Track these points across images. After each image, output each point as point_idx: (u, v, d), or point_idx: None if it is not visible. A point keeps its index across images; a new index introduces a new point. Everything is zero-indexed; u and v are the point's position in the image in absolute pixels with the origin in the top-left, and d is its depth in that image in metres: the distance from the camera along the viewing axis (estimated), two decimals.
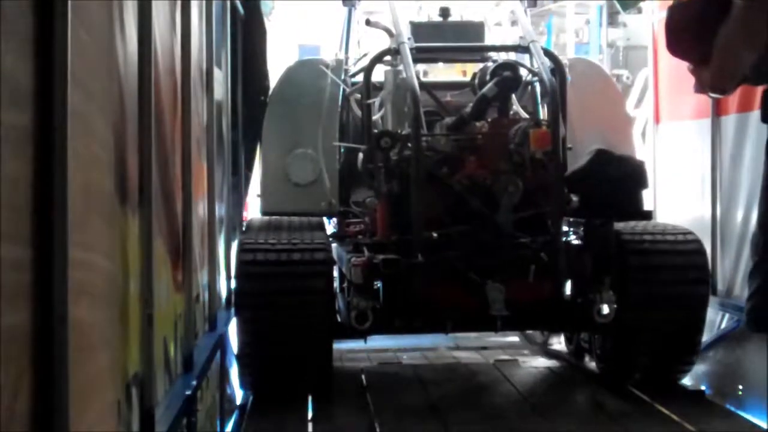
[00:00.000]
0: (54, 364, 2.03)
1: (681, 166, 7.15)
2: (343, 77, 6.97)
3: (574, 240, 5.68)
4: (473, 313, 5.36)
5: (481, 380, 6.34)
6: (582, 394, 5.98)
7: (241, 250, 5.59)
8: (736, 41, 3.52)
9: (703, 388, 6.01)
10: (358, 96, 6.28)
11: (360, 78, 6.26)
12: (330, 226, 6.84)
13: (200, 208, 4.98)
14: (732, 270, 6.27)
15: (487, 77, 5.68)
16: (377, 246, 5.51)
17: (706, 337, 6.09)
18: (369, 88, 5.87)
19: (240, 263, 5.54)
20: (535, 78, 5.97)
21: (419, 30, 6.25)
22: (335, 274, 5.98)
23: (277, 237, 5.66)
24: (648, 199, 6.64)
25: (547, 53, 5.97)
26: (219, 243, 5.80)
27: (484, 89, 5.62)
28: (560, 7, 14.80)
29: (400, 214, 5.45)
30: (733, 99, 6.09)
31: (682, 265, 5.70)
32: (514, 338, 7.80)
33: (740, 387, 5.89)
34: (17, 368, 1.88)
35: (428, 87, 6.17)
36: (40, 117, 2.01)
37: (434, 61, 7.29)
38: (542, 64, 5.70)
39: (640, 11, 12.05)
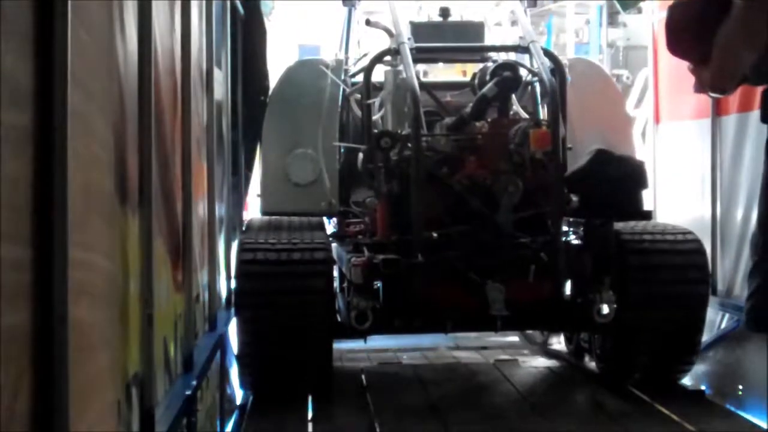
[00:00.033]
0: (54, 364, 2.03)
1: (681, 166, 7.16)
2: (343, 77, 6.97)
3: (574, 240, 5.68)
4: (473, 313, 5.36)
5: (481, 380, 6.34)
6: (582, 394, 5.98)
7: (241, 249, 5.59)
8: (735, 41, 3.52)
9: (703, 388, 6.01)
10: (358, 96, 6.28)
11: (360, 78, 6.26)
12: (330, 226, 6.84)
13: (200, 208, 4.98)
14: (732, 270, 6.27)
15: (487, 77, 5.68)
16: (377, 246, 5.51)
17: (706, 337, 6.09)
18: (369, 88, 5.87)
19: (240, 263, 5.54)
20: (535, 78, 5.97)
21: (419, 30, 6.25)
22: (335, 274, 5.98)
23: (277, 237, 5.66)
24: (648, 199, 6.64)
25: (547, 53, 5.97)
26: (219, 243, 5.80)
27: (484, 89, 5.62)
28: (560, 7, 14.81)
29: (400, 214, 5.45)
30: (733, 99, 6.09)
31: (681, 264, 5.70)
32: (514, 338, 7.81)
33: (740, 387, 5.89)
34: (17, 368, 1.88)
35: (428, 87, 6.18)
36: (40, 117, 2.01)
37: (434, 61, 7.29)
38: (542, 64, 5.70)
39: (640, 11, 12.05)
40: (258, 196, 7.09)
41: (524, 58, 6.18)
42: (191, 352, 4.16)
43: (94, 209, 2.52)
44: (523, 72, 5.84)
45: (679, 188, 7.16)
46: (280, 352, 5.47)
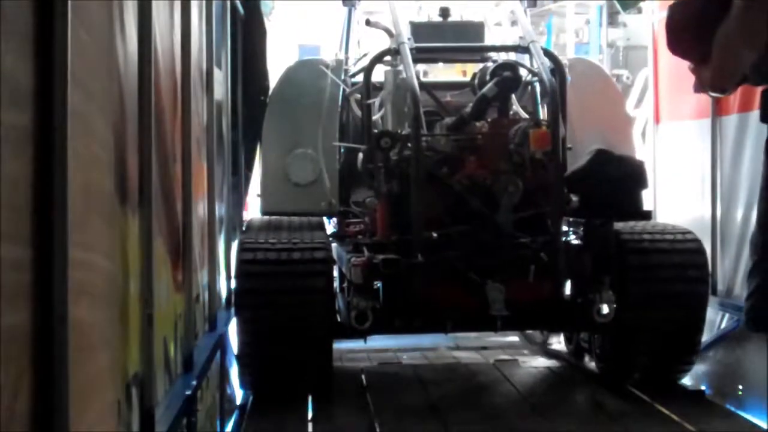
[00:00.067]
0: (54, 364, 2.03)
1: (681, 166, 7.16)
2: (343, 77, 6.97)
3: (573, 240, 5.68)
4: (473, 313, 5.36)
5: (481, 380, 6.34)
6: (582, 394, 5.98)
7: (242, 249, 5.59)
8: (735, 40, 3.52)
9: (703, 388, 6.00)
10: (358, 96, 6.28)
11: (360, 78, 6.26)
12: (330, 226, 6.84)
13: (200, 208, 4.98)
14: (732, 270, 6.27)
15: (487, 77, 5.68)
16: (377, 246, 5.51)
17: (706, 337, 6.09)
18: (369, 88, 5.87)
19: (240, 262, 5.54)
20: (535, 78, 5.98)
21: (419, 30, 6.25)
22: (335, 274, 5.98)
23: (277, 236, 5.66)
24: (648, 199, 6.64)
25: (547, 53, 5.97)
26: (219, 243, 5.80)
27: (484, 89, 5.62)
28: (560, 7, 14.81)
29: (400, 214, 5.45)
30: (733, 99, 6.09)
31: (681, 264, 5.71)
32: (514, 338, 7.81)
33: (740, 387, 5.89)
34: (17, 368, 1.88)
35: (428, 87, 6.18)
36: (40, 117, 2.01)
37: (434, 61, 7.29)
38: (542, 64, 5.70)
39: (640, 11, 12.05)
40: (258, 196, 7.10)
41: (524, 58, 6.18)
42: (191, 352, 4.16)
43: (94, 209, 2.52)
44: (523, 72, 5.84)
45: (679, 188, 7.16)
46: (280, 352, 5.47)
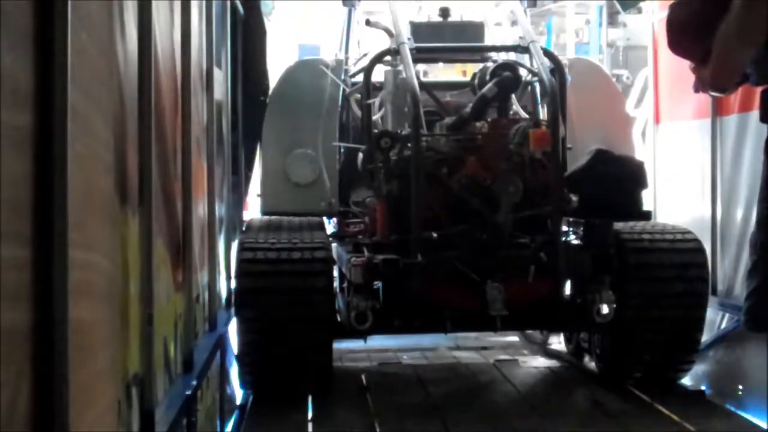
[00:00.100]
0: (54, 364, 2.03)
1: (681, 166, 7.15)
2: (343, 77, 6.98)
3: (573, 240, 5.68)
4: (473, 313, 5.36)
5: (481, 380, 6.34)
6: (582, 394, 5.97)
7: (242, 249, 5.59)
8: (734, 39, 3.52)
9: (703, 388, 6.00)
10: (358, 96, 6.29)
11: (360, 78, 6.26)
12: (330, 226, 6.84)
13: (200, 208, 4.98)
14: (732, 270, 6.27)
15: (487, 77, 5.69)
16: (377, 246, 5.51)
17: (706, 337, 6.09)
18: (369, 88, 5.87)
19: (240, 262, 5.54)
20: (535, 78, 5.98)
21: (419, 30, 6.26)
22: (335, 274, 5.98)
23: (278, 236, 5.66)
24: (648, 199, 6.64)
25: (547, 53, 5.98)
26: (219, 243, 5.80)
27: (484, 89, 5.63)
28: (560, 7, 14.81)
29: (399, 214, 5.45)
30: (733, 99, 6.09)
31: (681, 263, 5.71)
32: (514, 338, 7.81)
33: (740, 387, 5.89)
34: (17, 368, 1.88)
35: (428, 87, 6.18)
36: (40, 117, 2.01)
37: (434, 61, 7.29)
38: (542, 64, 5.71)
39: (640, 11, 12.05)
40: (258, 196, 7.10)
41: (524, 58, 6.18)
42: (191, 352, 4.16)
43: (94, 209, 2.52)
44: (522, 72, 5.84)
45: (679, 188, 7.16)
46: (280, 352, 5.47)
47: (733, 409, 5.66)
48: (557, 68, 5.78)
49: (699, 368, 6.18)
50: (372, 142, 5.59)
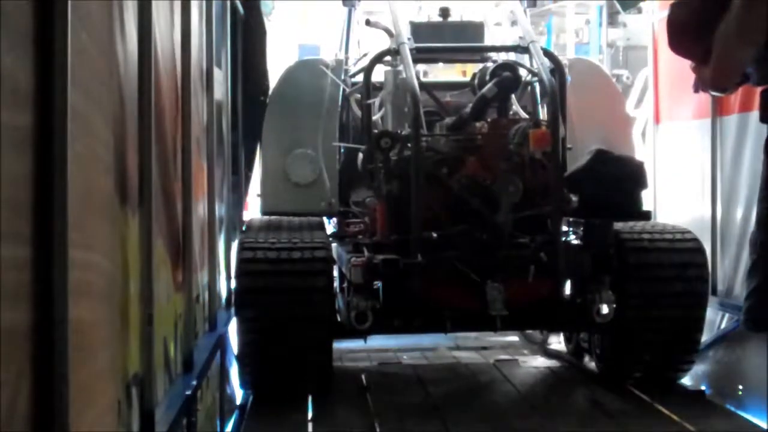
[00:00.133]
0: (54, 364, 2.03)
1: (681, 166, 7.15)
2: (343, 77, 6.98)
3: (573, 240, 5.68)
4: (473, 313, 5.36)
5: (481, 380, 6.34)
6: (582, 394, 5.97)
7: (242, 248, 5.59)
8: (734, 38, 3.52)
9: (703, 388, 6.00)
10: (358, 96, 6.29)
11: (360, 78, 6.26)
12: (330, 226, 6.84)
13: (200, 208, 4.98)
14: (732, 270, 6.27)
15: (487, 77, 5.69)
16: (377, 246, 5.51)
17: (706, 337, 6.09)
18: (369, 88, 5.87)
19: (240, 261, 5.54)
20: (535, 78, 5.98)
21: (419, 30, 6.26)
22: (335, 274, 5.98)
23: (278, 236, 5.66)
24: (648, 199, 6.64)
25: (547, 53, 5.98)
26: (219, 243, 5.80)
27: (484, 89, 5.63)
28: (560, 7, 14.81)
29: (399, 214, 5.45)
30: (733, 99, 6.09)
31: (680, 262, 5.71)
32: (514, 338, 7.81)
33: (740, 387, 5.89)
34: (17, 368, 1.88)
35: (428, 87, 6.18)
36: (40, 117, 2.01)
37: (434, 61, 7.30)
38: (542, 64, 5.71)
39: (640, 11, 12.05)
40: (258, 196, 7.10)
41: (524, 58, 6.18)
42: (191, 352, 4.16)
43: (94, 209, 2.52)
44: (522, 72, 5.84)
45: (679, 188, 7.16)
46: (280, 352, 5.47)
47: (733, 409, 5.66)
48: (557, 68, 5.78)
49: (699, 368, 6.18)
50: (372, 142, 5.59)
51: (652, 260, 5.68)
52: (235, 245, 6.22)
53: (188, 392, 3.83)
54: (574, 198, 5.54)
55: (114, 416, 2.72)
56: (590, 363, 6.44)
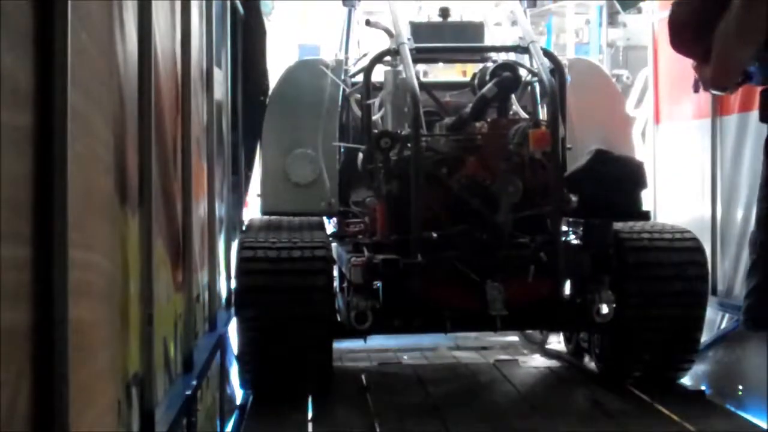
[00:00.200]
0: (54, 364, 2.03)
1: (681, 166, 7.16)
2: (343, 77, 6.98)
3: (573, 240, 5.68)
4: (473, 313, 5.36)
5: (481, 380, 6.34)
6: (582, 394, 5.97)
7: (242, 248, 5.59)
8: (734, 38, 3.53)
9: (703, 388, 6.01)
10: (358, 96, 6.29)
11: (360, 78, 6.26)
12: (330, 226, 6.85)
13: (200, 208, 4.98)
14: (732, 269, 6.27)
15: (487, 77, 5.69)
16: (377, 246, 5.52)
17: (706, 337, 6.09)
18: (369, 88, 5.87)
19: (240, 261, 5.54)
20: (535, 78, 5.98)
21: (419, 30, 6.26)
22: (335, 273, 5.98)
23: (278, 236, 5.66)
24: (648, 199, 6.64)
25: (547, 53, 5.98)
26: (219, 243, 5.80)
27: (484, 90, 5.63)
28: (560, 7, 14.81)
29: (399, 214, 5.45)
30: (734, 99, 6.09)
31: (679, 262, 5.71)
32: (513, 338, 7.81)
33: (740, 387, 5.89)
34: (17, 368, 1.88)
35: (428, 87, 6.18)
36: (40, 117, 2.01)
37: (434, 61, 7.30)
38: (542, 64, 5.71)
39: (640, 11, 12.05)
40: (258, 196, 7.10)
41: (524, 58, 6.18)
42: (191, 352, 4.16)
43: (94, 209, 2.52)
44: (522, 72, 5.84)
45: (679, 188, 7.16)
46: (280, 352, 5.47)
47: (733, 409, 5.66)
48: (557, 68, 5.78)
49: (699, 368, 6.18)
50: (372, 142, 5.59)
51: (652, 260, 5.69)
52: (235, 245, 6.23)
53: (188, 392, 3.83)
54: (573, 198, 5.54)
55: (114, 416, 2.72)
56: (590, 363, 6.44)
